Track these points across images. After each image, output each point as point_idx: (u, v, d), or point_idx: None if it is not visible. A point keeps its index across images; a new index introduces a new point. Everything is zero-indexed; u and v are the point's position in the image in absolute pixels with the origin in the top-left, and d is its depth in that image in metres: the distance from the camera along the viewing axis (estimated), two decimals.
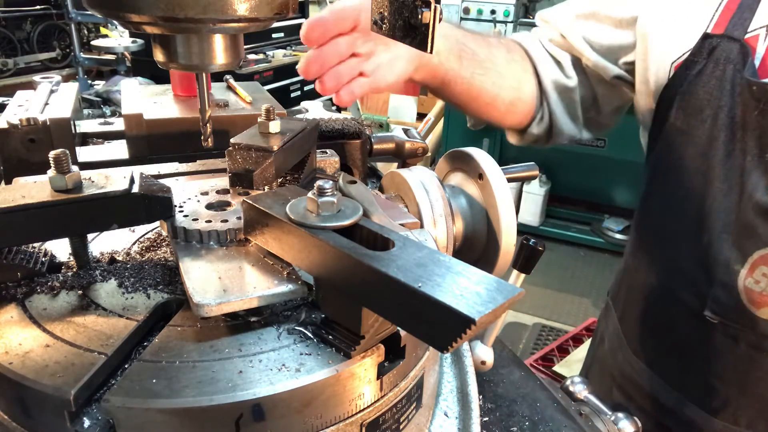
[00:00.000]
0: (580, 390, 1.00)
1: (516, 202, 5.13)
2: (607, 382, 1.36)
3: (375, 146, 1.18)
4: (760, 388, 1.06)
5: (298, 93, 4.90)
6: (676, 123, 1.07)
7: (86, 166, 0.88)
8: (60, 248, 0.68)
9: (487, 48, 1.20)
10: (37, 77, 1.11)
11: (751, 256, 0.97)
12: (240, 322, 0.56)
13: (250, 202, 0.60)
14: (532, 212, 5.17)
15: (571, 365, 3.11)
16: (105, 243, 0.71)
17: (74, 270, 0.65)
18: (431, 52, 0.56)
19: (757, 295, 0.98)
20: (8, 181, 0.79)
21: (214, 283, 0.56)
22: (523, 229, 4.76)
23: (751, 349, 1.03)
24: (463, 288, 0.44)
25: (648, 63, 1.13)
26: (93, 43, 4.49)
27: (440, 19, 0.54)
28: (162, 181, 0.70)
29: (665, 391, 1.19)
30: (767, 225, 0.95)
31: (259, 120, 0.77)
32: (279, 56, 4.79)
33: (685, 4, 1.08)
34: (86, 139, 1.08)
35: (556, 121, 1.29)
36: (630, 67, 1.19)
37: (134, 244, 0.72)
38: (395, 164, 1.25)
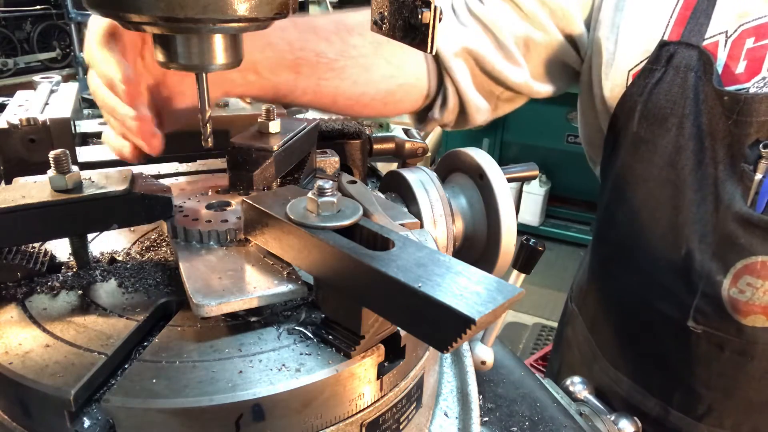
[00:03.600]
0: (580, 390, 1.01)
1: (516, 202, 5.13)
2: None
3: (375, 146, 1.18)
4: (746, 392, 1.05)
5: None
6: (639, 132, 1.05)
7: (86, 166, 0.88)
8: (60, 248, 0.68)
9: (341, 41, 1.01)
10: (37, 77, 1.11)
11: (734, 266, 0.96)
12: (240, 322, 0.56)
13: (250, 202, 0.60)
14: (532, 212, 5.18)
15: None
16: (105, 243, 0.71)
17: (74, 270, 0.65)
18: (431, 52, 0.56)
19: (743, 304, 0.97)
20: (8, 181, 0.79)
21: (214, 283, 0.56)
22: (523, 229, 4.76)
23: (737, 355, 1.02)
24: (463, 288, 0.44)
25: (601, 70, 1.10)
26: None
27: (440, 19, 0.54)
28: (162, 181, 0.70)
29: (648, 400, 1.18)
30: (748, 235, 0.94)
31: (259, 120, 0.77)
32: None
33: (639, 11, 1.06)
34: (86, 139, 1.08)
35: (467, 97, 1.13)
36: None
37: (134, 244, 0.72)
38: (395, 164, 1.25)
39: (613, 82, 1.09)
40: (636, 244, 1.14)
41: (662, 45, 1.00)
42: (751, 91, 0.92)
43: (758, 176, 0.92)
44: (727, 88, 0.93)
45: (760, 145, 0.91)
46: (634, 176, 1.10)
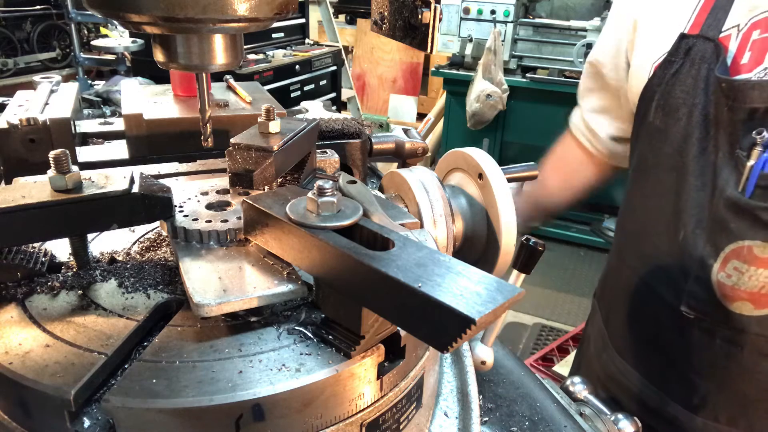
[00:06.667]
0: (580, 390, 1.00)
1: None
2: (592, 383, 1.38)
3: (375, 146, 1.18)
4: (738, 384, 1.07)
5: (298, 93, 4.89)
6: (654, 122, 1.09)
7: (86, 166, 0.88)
8: (60, 248, 0.68)
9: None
10: (37, 77, 1.11)
11: (723, 250, 0.99)
12: (240, 322, 0.56)
13: (250, 202, 0.60)
14: None
15: (571, 365, 3.11)
16: (105, 243, 0.71)
17: (74, 270, 0.65)
18: (431, 52, 0.56)
19: (729, 289, 1.00)
20: (8, 181, 0.79)
21: (214, 283, 0.56)
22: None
23: (727, 344, 1.04)
24: (463, 288, 0.44)
25: (632, 65, 1.16)
26: (93, 43, 4.48)
27: (440, 19, 0.54)
28: (162, 181, 0.70)
29: (648, 390, 1.20)
30: (738, 220, 0.96)
31: (259, 120, 0.77)
32: (279, 56, 4.78)
33: (667, 6, 1.10)
34: (86, 139, 1.08)
35: None
36: None
37: (134, 244, 0.72)
38: (395, 164, 1.25)
39: (638, 75, 1.13)
40: (645, 230, 1.18)
41: (682, 38, 1.04)
42: (753, 80, 0.95)
43: (750, 162, 0.94)
44: (734, 78, 0.96)
45: (754, 132, 0.93)
46: (647, 165, 1.14)
